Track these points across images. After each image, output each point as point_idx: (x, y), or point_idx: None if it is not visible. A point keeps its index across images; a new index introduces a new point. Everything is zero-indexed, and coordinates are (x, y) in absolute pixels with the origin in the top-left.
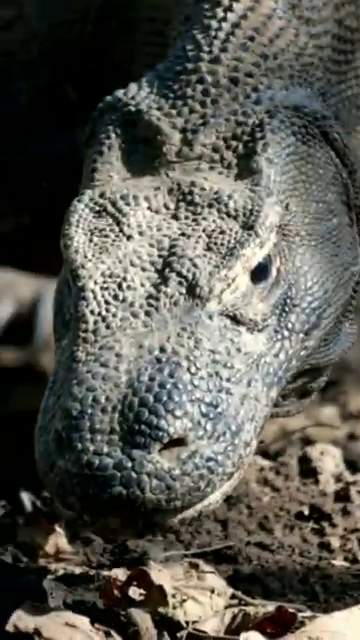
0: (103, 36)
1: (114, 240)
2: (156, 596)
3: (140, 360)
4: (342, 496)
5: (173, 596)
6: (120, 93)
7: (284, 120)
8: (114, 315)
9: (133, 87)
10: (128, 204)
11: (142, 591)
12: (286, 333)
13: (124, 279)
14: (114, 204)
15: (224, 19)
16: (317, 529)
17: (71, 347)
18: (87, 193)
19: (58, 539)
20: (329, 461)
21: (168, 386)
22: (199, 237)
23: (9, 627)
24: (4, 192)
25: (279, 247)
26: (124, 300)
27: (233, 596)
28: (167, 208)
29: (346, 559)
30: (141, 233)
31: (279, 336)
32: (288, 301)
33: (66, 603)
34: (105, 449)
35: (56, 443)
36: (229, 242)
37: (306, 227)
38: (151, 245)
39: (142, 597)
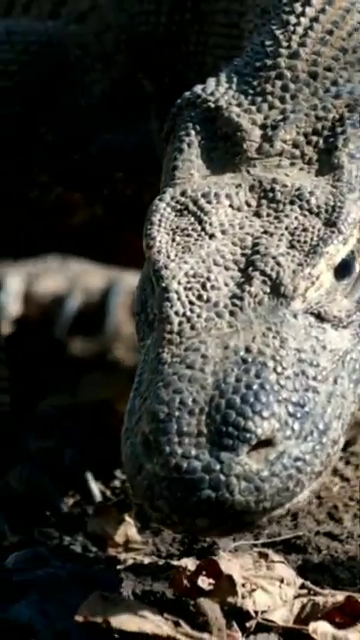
0: (177, 27)
1: (197, 239)
2: (225, 586)
3: (226, 361)
4: None
5: (242, 586)
6: (199, 89)
7: None
8: (199, 316)
9: (211, 83)
10: (210, 202)
11: (211, 581)
12: None
13: (208, 279)
14: (195, 202)
15: (302, 14)
16: None
17: (156, 349)
18: (168, 191)
19: (127, 529)
20: None
21: (255, 387)
22: (282, 235)
23: (78, 617)
24: (78, 184)
25: None
26: (208, 300)
27: (302, 586)
28: (249, 205)
29: None
30: (223, 232)
31: None
32: None
33: (135, 593)
34: (193, 452)
35: (144, 446)
36: (312, 239)
37: None
38: (234, 244)
39: (211, 587)
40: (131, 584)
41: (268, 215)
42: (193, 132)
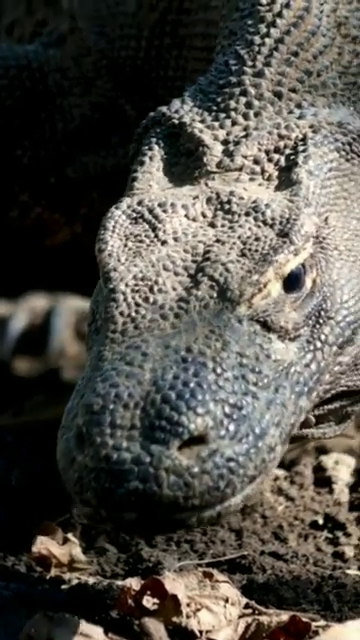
0: (156, 52)
1: (149, 245)
2: (170, 606)
3: (165, 359)
4: (356, 505)
5: (187, 605)
6: (164, 108)
7: (327, 136)
8: (143, 317)
9: (176, 102)
10: (165, 211)
11: (156, 600)
12: (319, 344)
13: (156, 282)
14: (151, 211)
15: (267, 34)
16: (331, 538)
17: (99, 347)
18: (125, 200)
19: (72, 549)
20: (344, 470)
21: (192, 384)
22: (234, 243)
23: (22, 637)
24: (56, 204)
25: (316, 258)
26: (154, 303)
27: (247, 605)
28: (204, 216)
29: None
30: (176, 239)
31: (311, 347)
32: (322, 313)
33: (80, 613)
34: (124, 444)
35: (77, 439)
36: (263, 248)
37: (345, 242)
38: (185, 251)
39: (156, 606)
40: (76, 604)
41: (222, 225)
42: (156, 147)
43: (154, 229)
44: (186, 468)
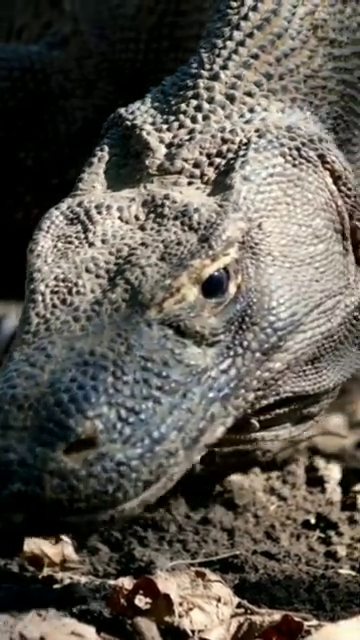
0: (155, 55)
1: (77, 247)
2: (162, 605)
3: (67, 362)
4: (348, 505)
5: (179, 605)
6: (122, 109)
7: (273, 140)
8: (57, 318)
9: (137, 103)
10: (100, 213)
11: (148, 600)
12: (240, 350)
13: (75, 284)
14: (87, 212)
15: (230, 37)
16: (323, 538)
17: (13, 349)
18: (67, 201)
19: (64, 548)
20: (336, 470)
21: (87, 388)
22: (156, 247)
23: (15, 636)
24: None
25: (242, 264)
26: (70, 304)
27: (239, 605)
28: (137, 219)
29: (352, 568)
30: (104, 241)
31: (231, 352)
32: (247, 319)
33: (72, 612)
34: (14, 445)
35: None
36: (182, 253)
37: (282, 248)
38: (110, 253)
39: (148, 606)
40: (68, 603)
41: (151, 229)
42: (107, 148)
43: (85, 230)
44: (71, 471)
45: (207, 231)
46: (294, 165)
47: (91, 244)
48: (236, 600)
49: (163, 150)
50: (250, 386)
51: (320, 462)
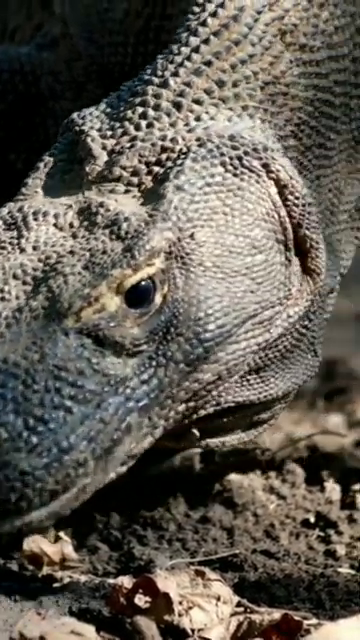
0: (142, 59)
1: (9, 252)
2: (162, 604)
3: None
4: (348, 504)
5: (179, 604)
6: (75, 114)
7: (213, 150)
8: None
9: (92, 107)
10: (37, 219)
11: (148, 599)
12: (163, 361)
13: (1, 290)
14: (24, 218)
15: (186, 43)
16: (323, 537)
17: None
18: (8, 206)
19: (64, 547)
20: (335, 469)
21: None
22: (82, 255)
23: (14, 635)
24: None
25: (169, 274)
26: None
27: (239, 604)
28: (72, 226)
29: (352, 567)
30: (35, 248)
31: (154, 363)
32: (172, 329)
33: (72, 611)
34: None
35: None
36: (105, 262)
37: (215, 259)
38: (40, 260)
39: (148, 605)
40: (67, 602)
41: (83, 237)
42: (55, 152)
43: (20, 236)
44: None
45: (132, 241)
46: (235, 175)
47: (22, 250)
48: (236, 599)
49: (104, 157)
50: (177, 397)
51: (319, 461)
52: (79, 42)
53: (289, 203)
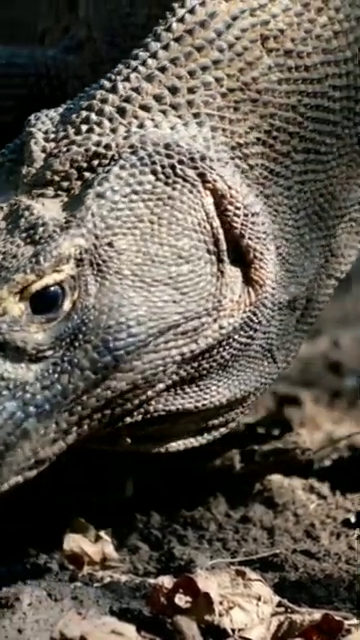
0: None
1: None
2: (202, 604)
3: None
4: None
5: (220, 604)
6: (33, 114)
7: (144, 157)
8: None
9: (53, 109)
10: None
11: (188, 599)
12: (68, 367)
13: None
14: None
15: (147, 48)
16: None
17: None
18: None
19: (105, 547)
20: None
21: None
22: None
23: (55, 635)
24: None
25: (79, 281)
26: None
27: (279, 604)
28: None
29: None
30: None
31: (58, 369)
32: (80, 336)
33: (112, 611)
34: None
35: None
36: (12, 266)
37: (135, 267)
38: None
39: (188, 605)
40: (108, 602)
41: (3, 240)
42: (6, 152)
43: None
44: None
45: (41, 246)
46: (166, 183)
47: None
48: (276, 599)
49: (42, 160)
50: (87, 404)
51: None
52: (102, 46)
53: (229, 213)
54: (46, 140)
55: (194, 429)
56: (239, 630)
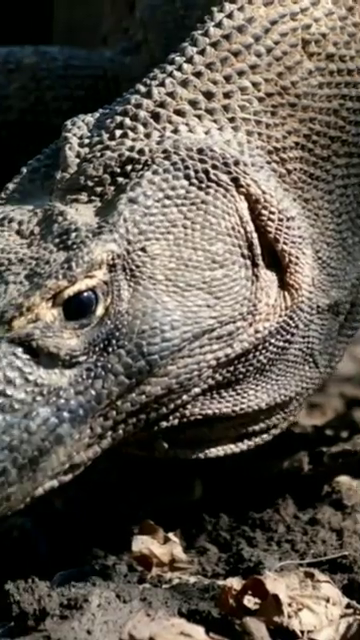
0: None
1: None
2: (271, 605)
3: None
4: None
5: (288, 605)
6: (70, 120)
7: (177, 162)
8: None
9: (90, 114)
10: (2, 225)
11: (257, 600)
12: (101, 373)
13: None
14: None
15: (183, 53)
16: None
17: None
18: None
19: (173, 548)
20: None
21: None
22: (28, 264)
23: (124, 636)
24: None
25: (112, 286)
26: None
27: (348, 605)
28: (32, 234)
29: None
30: None
31: (92, 374)
32: (113, 341)
33: (181, 612)
34: None
35: None
36: (45, 272)
37: (168, 272)
38: None
39: (257, 606)
40: (177, 603)
41: (37, 245)
42: (41, 157)
43: None
44: None
45: (73, 252)
46: (200, 188)
47: None
48: (345, 600)
49: (75, 166)
50: (122, 408)
51: None
52: (157, 48)
53: (263, 218)
54: (81, 145)
55: (233, 435)
56: (308, 632)
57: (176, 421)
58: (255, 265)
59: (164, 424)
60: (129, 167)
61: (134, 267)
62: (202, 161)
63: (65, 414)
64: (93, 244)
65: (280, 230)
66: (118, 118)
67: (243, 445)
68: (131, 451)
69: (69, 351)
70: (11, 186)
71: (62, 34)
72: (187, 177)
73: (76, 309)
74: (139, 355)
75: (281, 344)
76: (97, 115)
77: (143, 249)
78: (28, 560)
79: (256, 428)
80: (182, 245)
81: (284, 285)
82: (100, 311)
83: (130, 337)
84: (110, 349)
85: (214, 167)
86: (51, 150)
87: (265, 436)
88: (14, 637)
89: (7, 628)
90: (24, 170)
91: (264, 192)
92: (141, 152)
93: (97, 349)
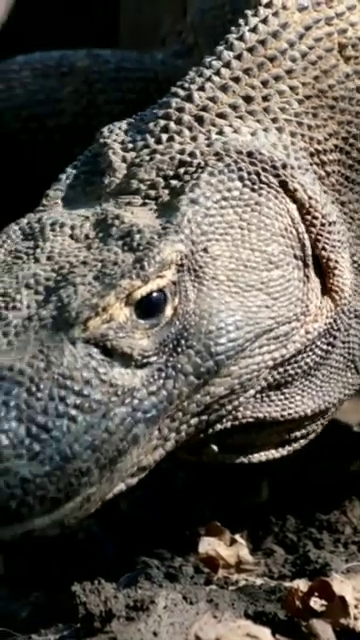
0: None
1: (24, 262)
2: (338, 607)
3: None
4: None
5: (355, 607)
6: (107, 126)
7: (231, 164)
8: None
9: (123, 121)
10: (53, 230)
11: (324, 602)
12: (172, 373)
13: (13, 299)
14: (42, 229)
15: (219, 57)
16: None
17: None
18: (28, 216)
19: (239, 550)
20: None
21: None
22: (94, 266)
23: (190, 637)
24: None
25: (180, 287)
26: (5, 319)
27: None
28: (87, 238)
29: None
30: (49, 258)
31: (163, 375)
32: (182, 342)
33: (247, 614)
34: None
35: None
36: (115, 273)
37: (229, 272)
38: (53, 270)
39: (324, 608)
40: (243, 605)
41: (97, 248)
42: (78, 164)
43: (36, 247)
44: None
45: (143, 252)
46: (253, 189)
47: (37, 260)
48: None
49: (124, 170)
50: (188, 409)
51: None
52: (206, 51)
53: (307, 222)
54: (124, 150)
55: (276, 441)
56: None
57: (229, 424)
58: (306, 266)
59: (218, 427)
60: (182, 170)
61: (197, 268)
62: (252, 163)
63: (140, 414)
64: (162, 244)
65: (321, 235)
66: (162, 122)
67: (283, 450)
68: (181, 455)
69: (141, 351)
70: (52, 193)
71: (127, 37)
72: (241, 179)
73: (147, 309)
74: (208, 355)
75: (325, 347)
76: (131, 121)
77: (205, 250)
78: (94, 562)
79: (297, 434)
80: (240, 246)
81: (326, 288)
82: (169, 311)
83: (198, 337)
84: (179, 349)
85: (264, 170)
86: (86, 157)
87: (302, 441)
88: (80, 638)
89: (74, 630)
90: (62, 177)
91: (310, 197)
92: (192, 155)
93: (167, 349)
